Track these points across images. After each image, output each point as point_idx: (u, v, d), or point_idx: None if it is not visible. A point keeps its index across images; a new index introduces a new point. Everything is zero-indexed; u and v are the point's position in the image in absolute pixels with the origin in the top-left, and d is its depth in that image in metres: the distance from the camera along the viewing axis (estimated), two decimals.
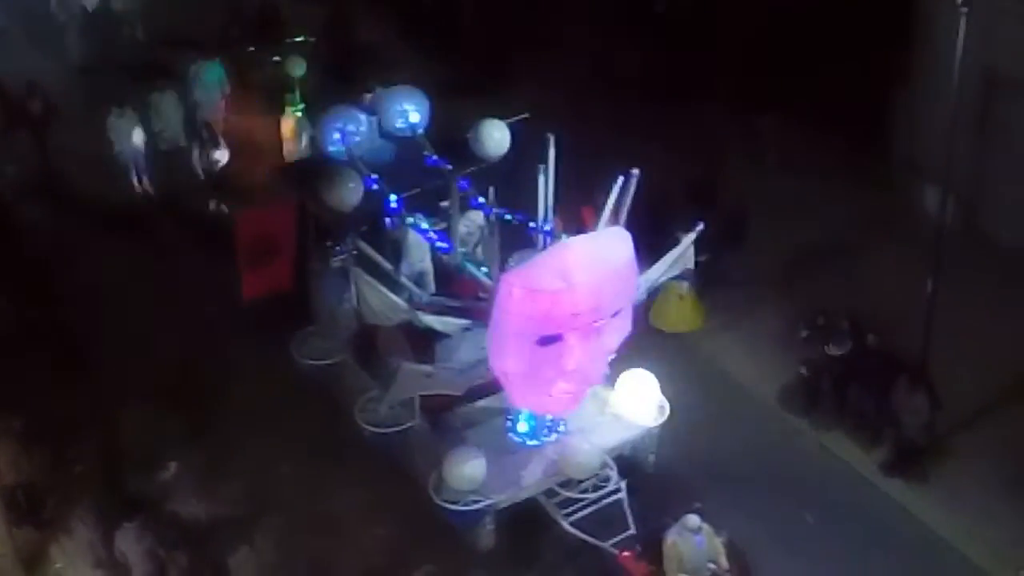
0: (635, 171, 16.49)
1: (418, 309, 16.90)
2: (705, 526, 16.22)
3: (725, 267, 21.01)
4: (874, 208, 23.19)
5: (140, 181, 24.28)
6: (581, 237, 16.30)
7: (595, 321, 16.11)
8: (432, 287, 18.22)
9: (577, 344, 16.15)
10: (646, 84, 25.72)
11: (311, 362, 19.35)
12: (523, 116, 19.77)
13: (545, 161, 16.75)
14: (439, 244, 17.57)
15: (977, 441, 18.95)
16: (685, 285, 20.28)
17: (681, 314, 20.82)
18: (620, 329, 16.71)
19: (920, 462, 18.70)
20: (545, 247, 17.24)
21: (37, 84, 24.71)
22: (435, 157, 18.49)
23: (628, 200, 16.58)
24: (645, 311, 19.41)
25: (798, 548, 17.37)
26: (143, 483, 18.34)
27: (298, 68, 24.74)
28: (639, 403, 18.00)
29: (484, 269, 16.88)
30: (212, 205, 23.11)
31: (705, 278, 20.19)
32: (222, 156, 23.29)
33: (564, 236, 16.39)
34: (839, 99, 23.69)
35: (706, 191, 22.09)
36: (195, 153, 23.61)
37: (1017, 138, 21.80)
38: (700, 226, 17.40)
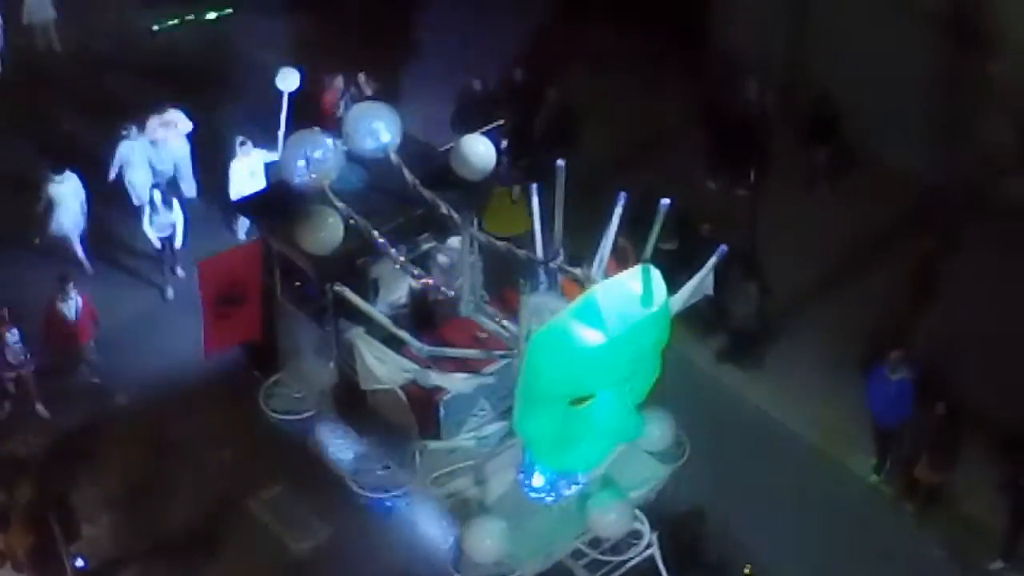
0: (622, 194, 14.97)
1: (424, 366, 15.04)
2: None
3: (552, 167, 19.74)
4: (696, 101, 23.32)
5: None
6: (612, 280, 14.54)
7: (630, 373, 14.44)
8: (408, 329, 16.24)
9: (610, 399, 14.48)
10: None
11: (281, 416, 17.26)
12: (498, 123, 17.92)
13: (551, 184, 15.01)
14: (444, 291, 15.57)
15: (806, 325, 19.90)
16: (517, 189, 20.27)
17: (514, 217, 19.71)
18: (650, 375, 15.06)
19: (753, 349, 19.50)
20: (550, 286, 15.56)
21: None
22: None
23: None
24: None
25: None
26: None
27: None
28: (658, 442, 16.42)
29: (504, 321, 14.94)
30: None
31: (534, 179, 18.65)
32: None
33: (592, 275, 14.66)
34: None
35: (530, 92, 22.10)
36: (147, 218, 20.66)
37: (833, 24, 22.32)
38: (723, 248, 15.67)
